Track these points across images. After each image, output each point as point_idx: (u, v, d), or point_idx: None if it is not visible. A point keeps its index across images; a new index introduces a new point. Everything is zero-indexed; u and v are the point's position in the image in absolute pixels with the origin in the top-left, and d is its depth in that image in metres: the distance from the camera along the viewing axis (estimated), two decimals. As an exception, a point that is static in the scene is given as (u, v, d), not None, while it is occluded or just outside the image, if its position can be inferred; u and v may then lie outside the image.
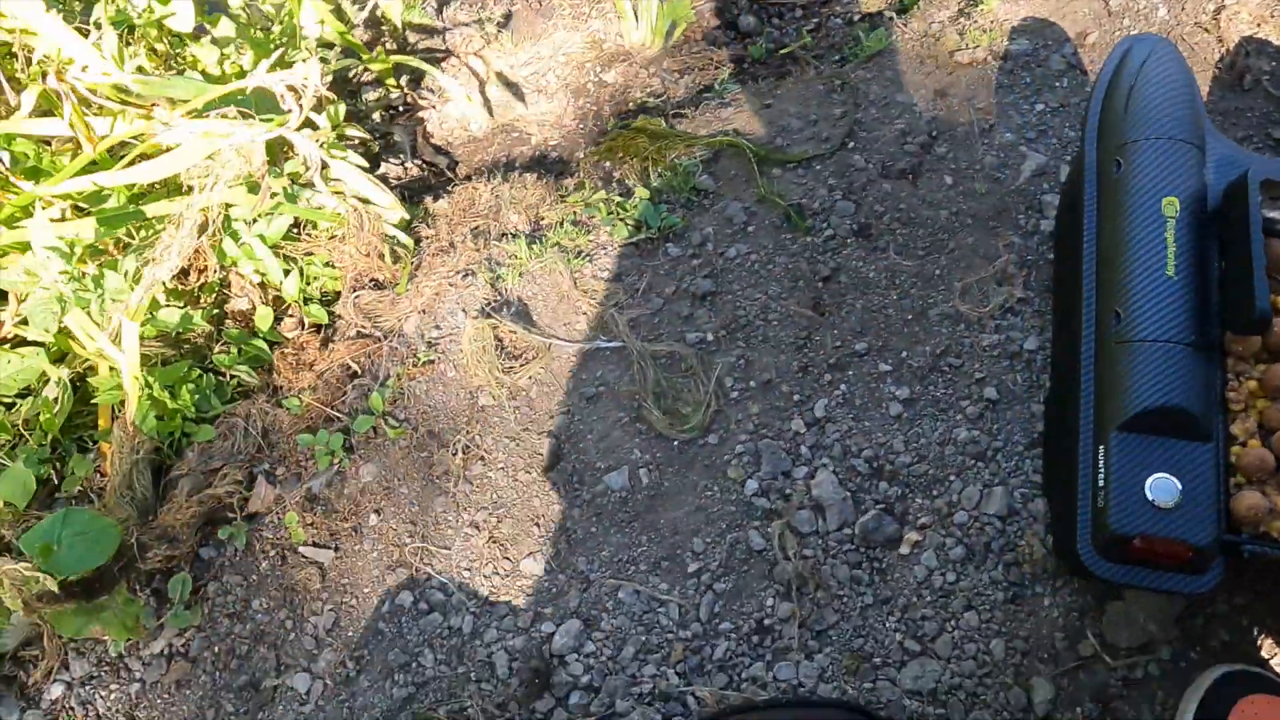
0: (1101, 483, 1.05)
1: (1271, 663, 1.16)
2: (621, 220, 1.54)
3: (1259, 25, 1.52)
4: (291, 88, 1.42)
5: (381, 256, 1.56)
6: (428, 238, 1.63)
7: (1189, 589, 1.03)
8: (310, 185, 1.56)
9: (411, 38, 2.11)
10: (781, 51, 2.01)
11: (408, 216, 1.62)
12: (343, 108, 1.73)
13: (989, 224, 1.44)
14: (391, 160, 1.98)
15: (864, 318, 1.40)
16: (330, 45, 1.87)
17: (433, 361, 1.45)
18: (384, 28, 2.13)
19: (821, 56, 1.92)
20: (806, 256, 1.46)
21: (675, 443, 1.34)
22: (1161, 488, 1.02)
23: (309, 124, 1.66)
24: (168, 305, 1.51)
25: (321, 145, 1.67)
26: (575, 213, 1.60)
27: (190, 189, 1.42)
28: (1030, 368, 1.33)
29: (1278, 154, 1.43)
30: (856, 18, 1.99)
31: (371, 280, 1.56)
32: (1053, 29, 1.61)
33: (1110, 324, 1.11)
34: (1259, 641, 1.17)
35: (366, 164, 1.81)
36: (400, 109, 2.06)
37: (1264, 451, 1.04)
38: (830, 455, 1.31)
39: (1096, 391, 1.10)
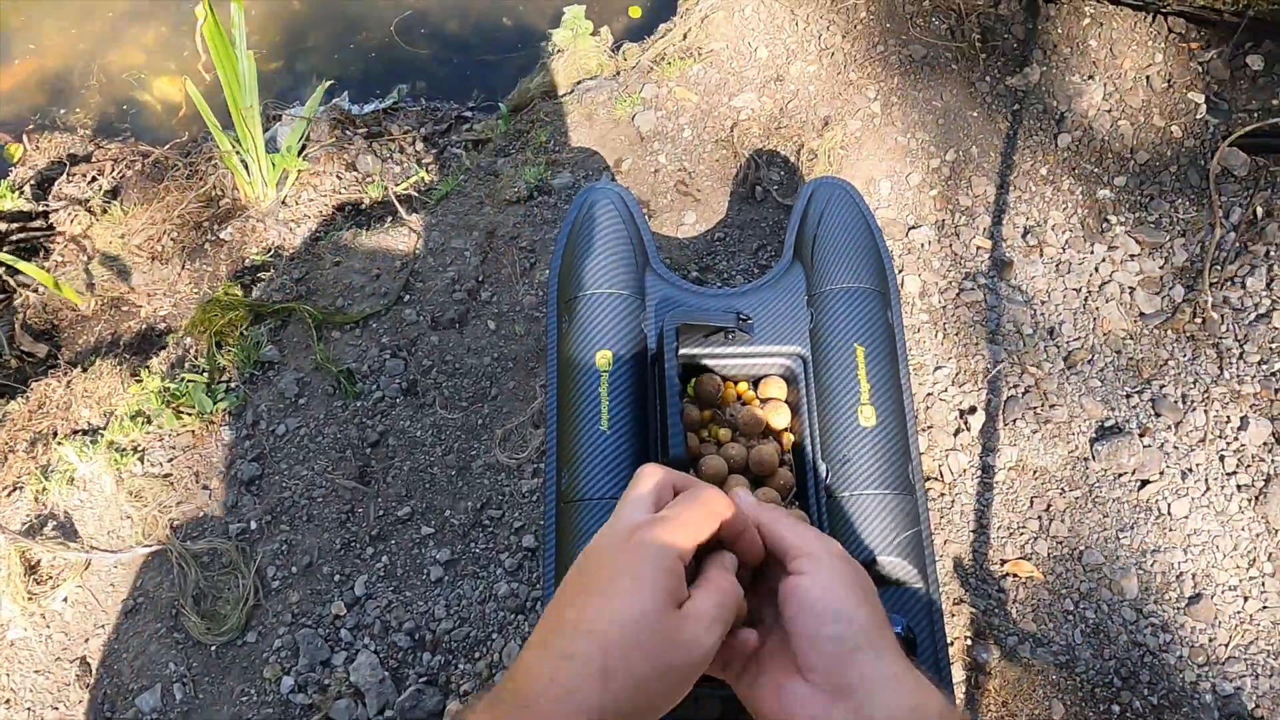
0: (556, 648, 1.06)
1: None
2: (173, 409, 1.49)
3: (768, 137, 1.63)
4: None
5: (-84, 486, 1.46)
6: (-19, 451, 1.54)
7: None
8: None
9: (6, 226, 2.02)
10: (397, 190, 2.03)
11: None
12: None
13: (528, 365, 1.47)
14: (-15, 356, 1.88)
15: (410, 480, 1.40)
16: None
17: (-39, 598, 1.36)
18: (-21, 213, 2.03)
19: (429, 191, 1.95)
20: (356, 422, 1.45)
21: (213, 648, 1.29)
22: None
23: None
24: None
25: None
26: (140, 403, 1.55)
27: None
28: (565, 508, 1.35)
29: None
30: (472, 144, 2.03)
31: (-96, 515, 1.45)
32: (594, 158, 1.67)
33: (562, 483, 1.13)
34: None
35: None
36: (-3, 298, 1.96)
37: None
38: (371, 634, 1.29)
39: (555, 553, 1.12)
